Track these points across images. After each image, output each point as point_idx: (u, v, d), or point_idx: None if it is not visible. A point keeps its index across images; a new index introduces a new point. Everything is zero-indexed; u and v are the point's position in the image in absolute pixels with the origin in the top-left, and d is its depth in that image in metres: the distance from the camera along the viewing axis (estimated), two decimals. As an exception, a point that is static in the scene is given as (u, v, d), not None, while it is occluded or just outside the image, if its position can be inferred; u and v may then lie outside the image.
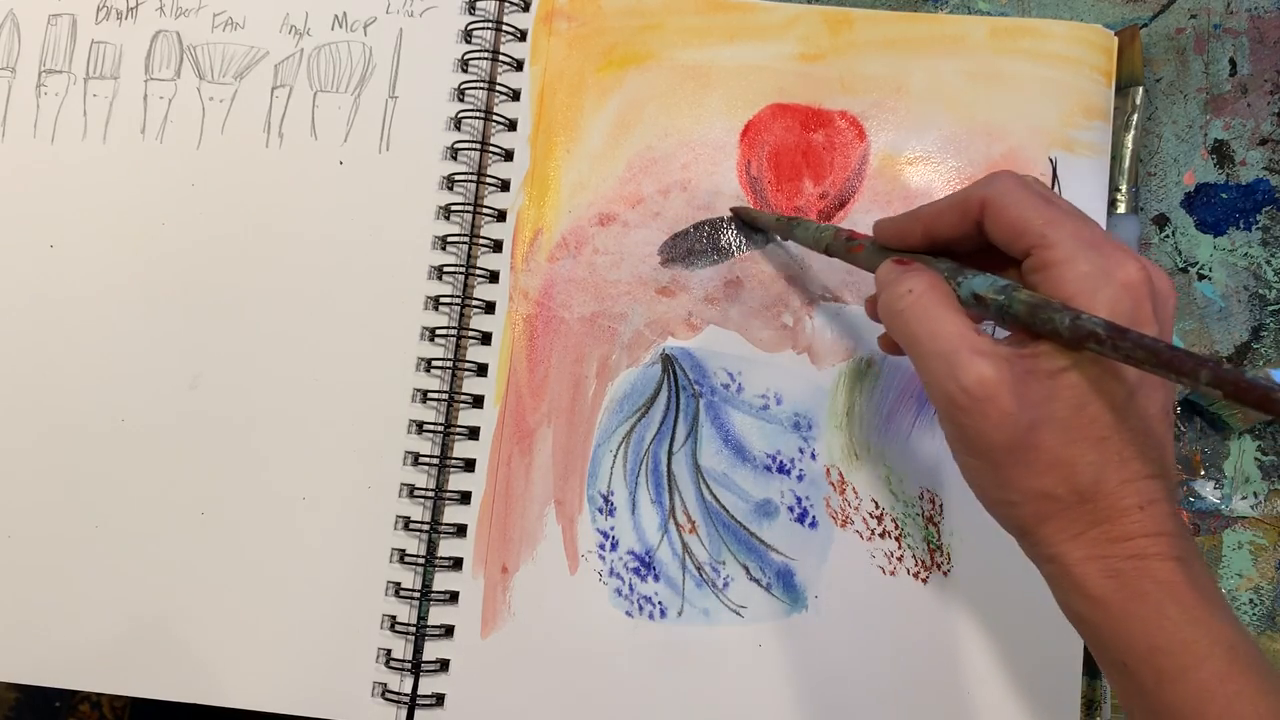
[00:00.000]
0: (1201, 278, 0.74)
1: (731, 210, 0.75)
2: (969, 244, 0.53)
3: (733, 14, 0.76)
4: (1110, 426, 0.47)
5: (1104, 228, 0.72)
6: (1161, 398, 0.49)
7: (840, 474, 0.72)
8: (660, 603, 0.71)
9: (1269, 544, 0.73)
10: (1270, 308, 0.73)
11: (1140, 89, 0.74)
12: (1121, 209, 0.74)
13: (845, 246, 0.62)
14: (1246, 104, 0.76)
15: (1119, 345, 0.43)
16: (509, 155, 0.77)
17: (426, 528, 0.73)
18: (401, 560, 0.73)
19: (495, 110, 0.77)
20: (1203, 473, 0.73)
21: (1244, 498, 0.73)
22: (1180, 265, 0.75)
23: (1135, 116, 0.74)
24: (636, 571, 0.71)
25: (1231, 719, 0.45)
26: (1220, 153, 0.76)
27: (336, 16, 0.78)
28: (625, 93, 0.76)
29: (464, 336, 0.75)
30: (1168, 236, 0.75)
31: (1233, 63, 0.77)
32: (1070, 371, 0.47)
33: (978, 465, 0.51)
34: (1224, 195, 0.75)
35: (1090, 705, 0.71)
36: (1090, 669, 0.71)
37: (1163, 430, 0.49)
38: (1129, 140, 0.74)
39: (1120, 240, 0.49)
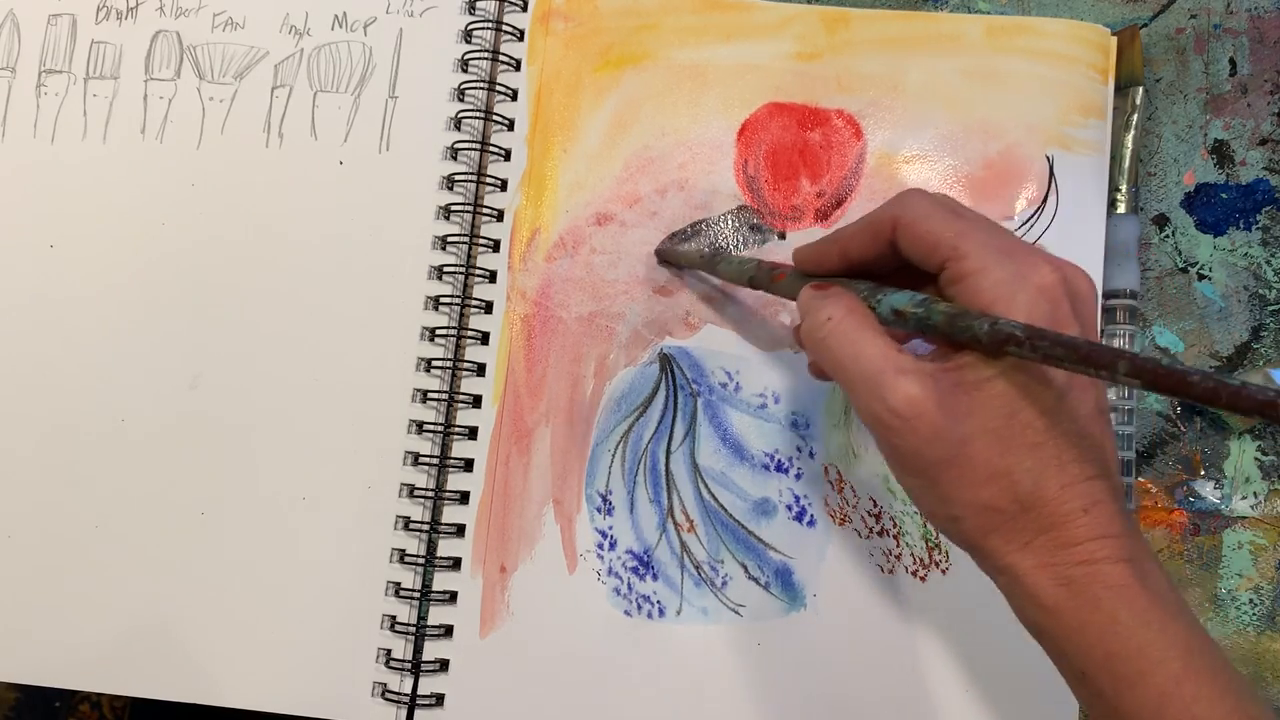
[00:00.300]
0: (1201, 278, 0.74)
1: (655, 253, 0.75)
2: (886, 264, 0.54)
3: (729, 13, 0.76)
4: (1043, 431, 0.47)
5: (1104, 225, 0.72)
6: (1093, 397, 0.49)
7: (838, 472, 0.72)
8: (659, 602, 0.71)
9: (1269, 544, 0.72)
10: (1270, 308, 0.73)
11: (1140, 89, 0.74)
12: (1121, 209, 0.74)
13: (768, 277, 0.62)
14: (1246, 104, 0.76)
15: (1037, 346, 0.44)
16: (509, 155, 0.77)
17: (426, 528, 0.73)
18: (401, 560, 0.73)
19: (495, 110, 0.77)
20: (1203, 473, 0.73)
21: (1244, 498, 0.73)
22: (1180, 265, 0.75)
23: (1135, 116, 0.74)
24: (635, 571, 0.71)
25: None
26: (1220, 153, 0.76)
27: (336, 16, 0.78)
28: (622, 92, 0.76)
29: (464, 336, 0.75)
30: (1168, 236, 0.75)
31: (1233, 63, 0.77)
32: (996, 380, 0.47)
33: (917, 484, 0.50)
34: (1224, 195, 0.75)
35: (1090, 705, 0.71)
36: (1089, 669, 0.71)
37: (1099, 430, 0.49)
38: (1129, 140, 0.74)
39: (1036, 247, 0.50)
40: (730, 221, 0.75)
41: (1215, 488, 0.73)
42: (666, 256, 0.75)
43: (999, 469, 0.47)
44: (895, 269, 0.54)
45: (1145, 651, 0.46)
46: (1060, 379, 0.47)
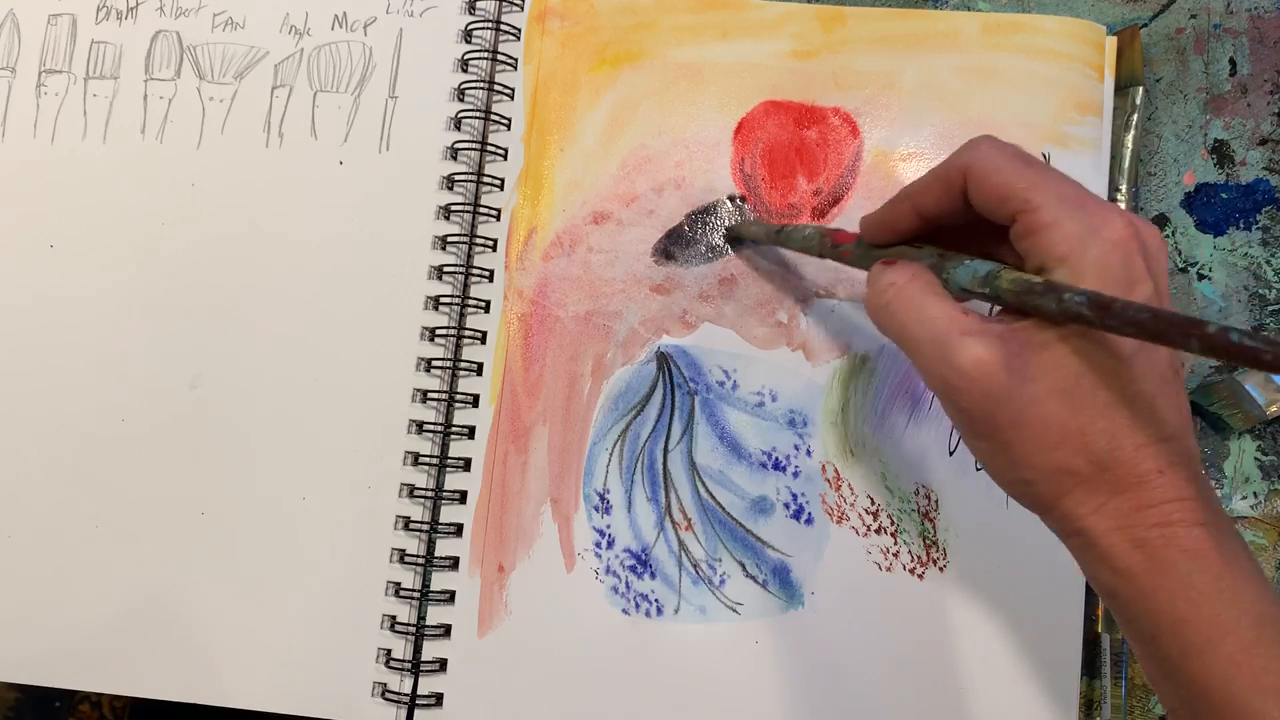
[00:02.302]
0: (1201, 278, 0.74)
1: (725, 230, 0.75)
2: (958, 217, 0.53)
3: (725, 11, 0.76)
4: (1116, 392, 0.47)
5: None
6: (1166, 357, 0.48)
7: (836, 470, 0.71)
8: (657, 600, 0.71)
9: (1269, 544, 0.72)
10: (1270, 308, 0.73)
11: (1140, 89, 0.74)
12: (1122, 209, 0.73)
13: (831, 248, 0.62)
14: (1246, 104, 0.76)
15: (1105, 321, 0.43)
16: (508, 155, 0.77)
17: (426, 528, 0.73)
18: (401, 560, 0.73)
19: (494, 110, 0.78)
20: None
21: (1244, 498, 0.73)
22: (1180, 265, 0.75)
23: (1135, 116, 0.74)
24: (633, 569, 0.71)
25: (1259, 693, 0.44)
26: (1220, 153, 0.76)
27: (336, 16, 0.79)
28: (618, 91, 0.76)
29: (463, 336, 0.75)
30: (1168, 236, 0.75)
31: (1233, 63, 0.77)
32: (1065, 340, 0.47)
33: (987, 447, 0.50)
34: (1224, 195, 0.75)
35: (1089, 705, 0.71)
36: (1089, 668, 0.71)
37: (1173, 391, 0.48)
38: (1129, 140, 0.74)
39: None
40: (728, 218, 0.74)
41: (1215, 488, 0.73)
42: (736, 234, 0.74)
43: (1071, 430, 0.47)
44: (966, 222, 0.53)
45: (1217, 618, 0.45)
46: (1130, 340, 0.47)
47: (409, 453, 0.74)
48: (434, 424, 0.74)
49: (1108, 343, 0.46)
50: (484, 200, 0.76)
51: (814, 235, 0.64)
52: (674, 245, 0.74)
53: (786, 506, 0.71)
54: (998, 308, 0.50)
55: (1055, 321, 0.46)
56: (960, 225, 0.54)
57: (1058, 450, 0.47)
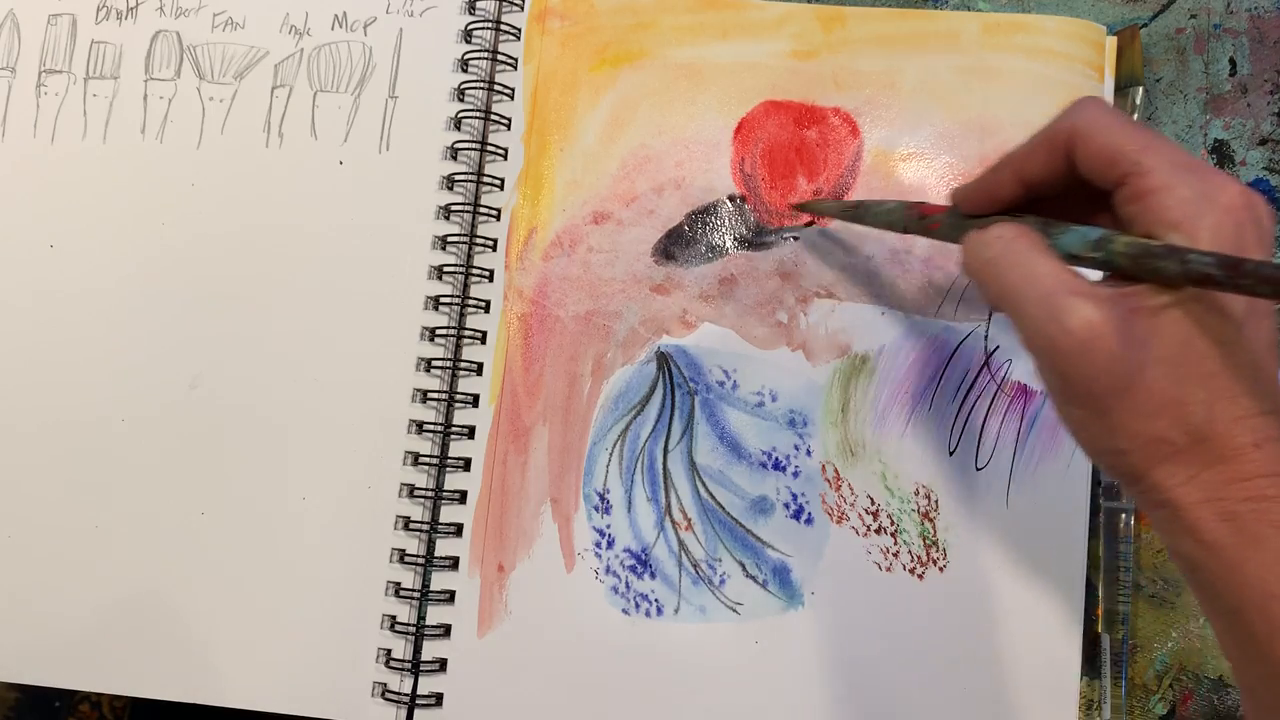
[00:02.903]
0: (1201, 277, 0.74)
1: (794, 207, 0.74)
2: (1059, 184, 0.52)
3: (725, 11, 0.76)
4: (1219, 361, 0.45)
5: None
6: (1268, 328, 0.47)
7: (836, 470, 0.71)
8: (657, 600, 0.71)
9: (1269, 544, 0.72)
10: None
11: (1140, 89, 0.74)
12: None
13: (919, 221, 0.60)
14: (1246, 104, 0.76)
15: (1237, 281, 0.42)
16: (509, 155, 0.77)
17: (426, 528, 0.73)
18: (401, 560, 0.73)
19: (494, 110, 0.78)
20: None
21: (1244, 497, 0.73)
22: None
23: (1135, 116, 0.74)
24: (633, 569, 0.71)
25: None
26: (1220, 153, 0.76)
27: (336, 16, 0.79)
28: (618, 91, 0.76)
29: (463, 336, 0.75)
30: (1167, 236, 0.75)
31: (1233, 63, 0.76)
32: (1175, 307, 0.45)
33: (1083, 415, 0.48)
34: (1224, 195, 0.75)
35: (1090, 705, 0.71)
36: (1089, 668, 0.70)
37: (1272, 364, 0.47)
38: (1129, 140, 0.74)
39: None
40: (726, 217, 0.74)
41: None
42: (807, 209, 0.74)
43: (1172, 399, 0.45)
44: (1068, 190, 0.52)
45: None
46: (1239, 309, 0.46)
47: (409, 453, 0.74)
48: (434, 424, 0.74)
49: (1219, 311, 0.46)
50: (484, 200, 0.76)
51: (897, 209, 0.62)
52: (674, 245, 0.74)
53: (786, 506, 0.71)
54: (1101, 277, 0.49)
55: (1171, 286, 0.45)
56: (1057, 196, 0.52)
57: (1157, 420, 0.46)
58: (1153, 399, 0.45)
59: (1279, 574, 0.44)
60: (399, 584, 0.73)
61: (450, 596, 0.72)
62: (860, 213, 0.68)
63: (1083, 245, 0.48)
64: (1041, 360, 0.49)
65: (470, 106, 0.77)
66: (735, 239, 0.74)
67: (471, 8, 0.79)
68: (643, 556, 0.71)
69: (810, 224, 0.74)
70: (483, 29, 0.78)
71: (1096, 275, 0.49)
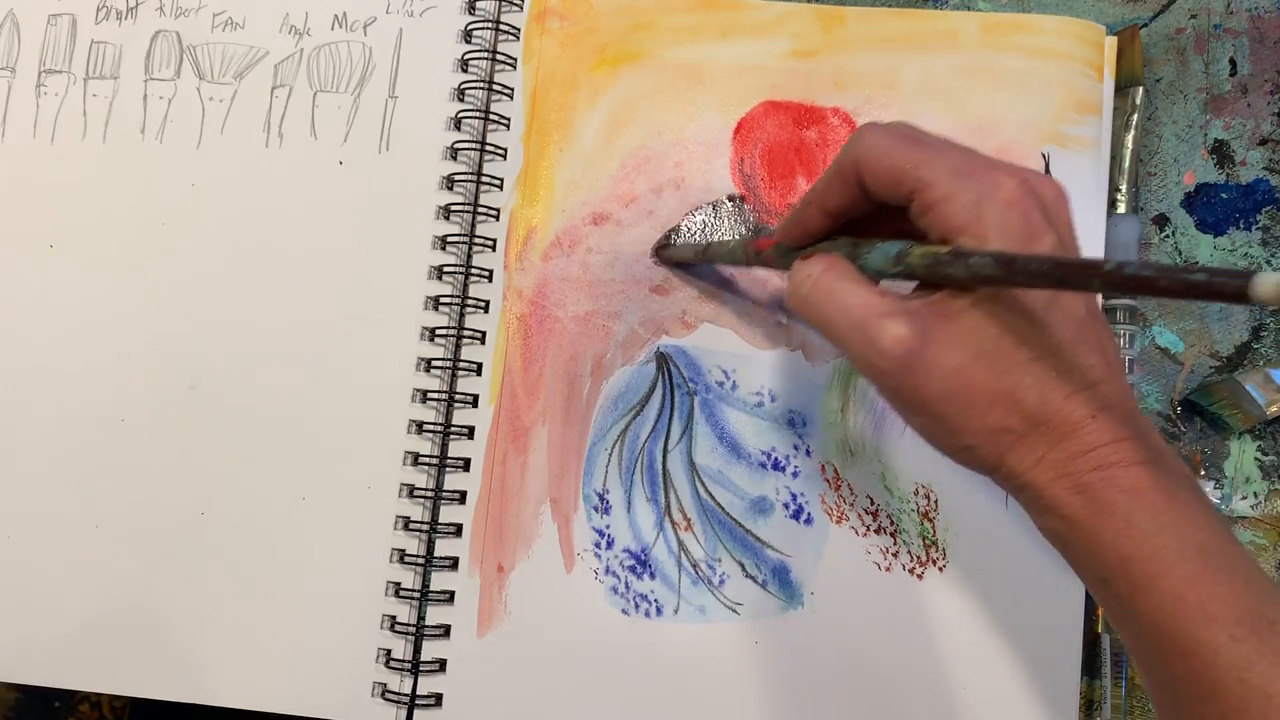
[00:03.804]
0: (1202, 277, 0.74)
1: (655, 258, 0.75)
2: (864, 207, 0.53)
3: (724, 12, 0.76)
4: (1035, 347, 0.48)
5: (1103, 222, 0.72)
6: (1081, 303, 0.49)
7: (835, 470, 0.71)
8: (656, 600, 0.71)
9: (1269, 544, 0.72)
10: (1270, 308, 0.73)
11: (1140, 89, 0.74)
12: (1121, 209, 0.74)
13: (753, 253, 0.62)
14: (1246, 104, 0.76)
15: (1013, 278, 0.44)
16: (508, 155, 0.77)
17: (426, 528, 0.73)
18: (401, 560, 0.73)
19: (494, 110, 0.77)
20: (1203, 473, 0.73)
21: (1244, 498, 0.73)
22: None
23: (1135, 116, 0.74)
24: (632, 569, 0.71)
25: (1203, 622, 0.45)
26: (1220, 153, 0.76)
27: (336, 16, 0.79)
28: (618, 91, 0.76)
29: (463, 336, 0.75)
30: (1168, 236, 0.75)
31: (1233, 63, 0.77)
32: (977, 306, 0.47)
33: (923, 421, 0.51)
34: (1224, 195, 0.75)
35: (1090, 705, 0.71)
36: (1089, 668, 0.71)
37: (1095, 334, 0.49)
38: (1129, 140, 0.74)
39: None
40: (725, 210, 0.74)
41: (1215, 488, 0.73)
42: (666, 258, 0.74)
43: (1000, 390, 0.48)
44: (874, 210, 0.53)
45: (1159, 553, 0.46)
46: (1042, 294, 0.48)
47: (409, 453, 0.74)
48: (434, 424, 0.74)
49: (1020, 300, 0.47)
50: (484, 200, 0.76)
51: (737, 246, 0.65)
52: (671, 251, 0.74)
53: (786, 506, 0.71)
54: (915, 285, 0.51)
55: (967, 287, 0.47)
56: (870, 215, 0.54)
57: (991, 413, 0.48)
58: (982, 395, 0.48)
59: (1131, 536, 0.47)
60: (399, 584, 0.72)
61: (450, 597, 0.72)
62: (709, 254, 0.69)
63: (885, 261, 0.51)
64: (871, 380, 0.52)
65: (470, 106, 0.77)
66: (735, 239, 0.74)
67: (471, 8, 0.79)
68: (642, 557, 0.71)
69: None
70: (482, 29, 0.78)
71: (910, 286, 0.51)
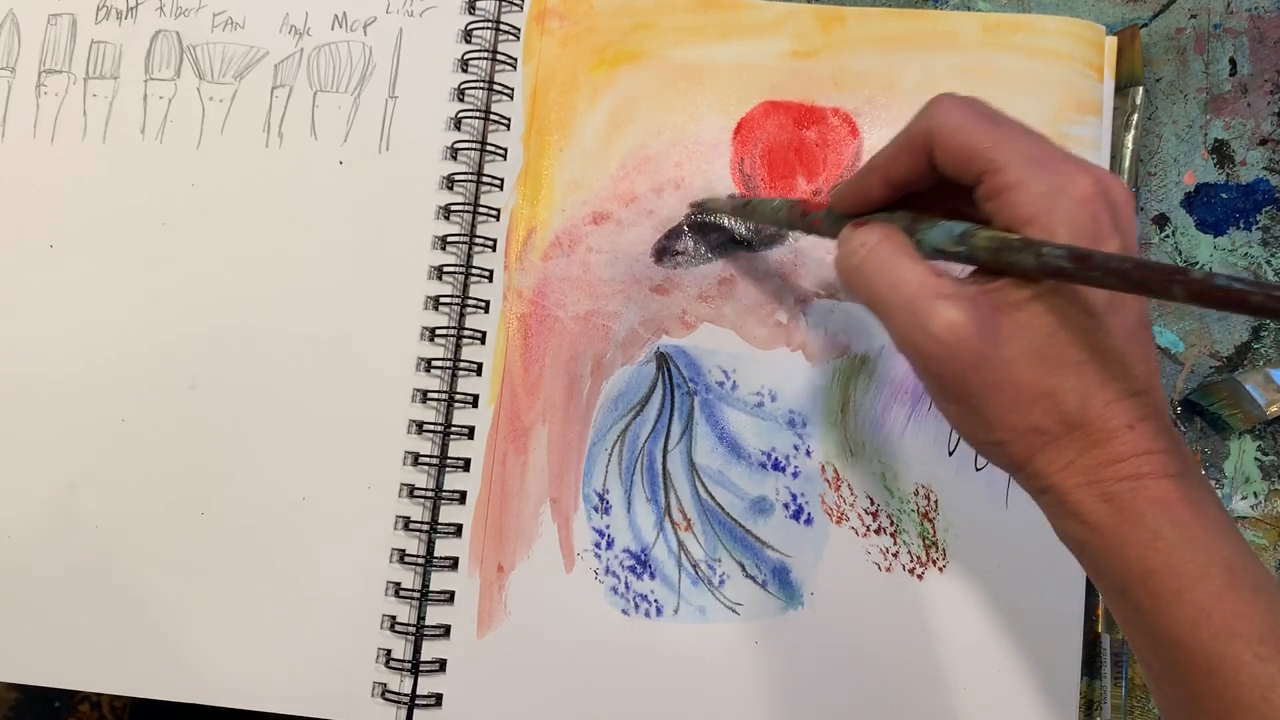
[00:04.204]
0: (1202, 277, 0.74)
1: (689, 207, 0.75)
2: (927, 181, 0.52)
3: (725, 12, 0.76)
4: (1086, 349, 0.47)
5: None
6: (1135, 311, 0.48)
7: (835, 470, 0.71)
8: (656, 600, 0.71)
9: (1269, 544, 0.72)
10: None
11: (1140, 89, 0.74)
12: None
13: (801, 218, 0.61)
14: (1246, 104, 0.76)
15: (1087, 274, 0.43)
16: (509, 155, 0.77)
17: (426, 528, 0.73)
18: (401, 560, 0.73)
19: (494, 110, 0.77)
20: (1203, 473, 0.73)
21: (1244, 498, 0.73)
22: (1180, 265, 0.75)
23: (1135, 116, 0.74)
24: (632, 569, 0.71)
25: (1228, 639, 0.44)
26: (1220, 153, 0.76)
27: (336, 16, 0.79)
28: (618, 91, 0.76)
29: (463, 336, 0.75)
30: (1168, 236, 0.75)
31: (1233, 63, 0.77)
32: (1037, 300, 0.46)
33: (959, 410, 0.50)
34: (1224, 195, 0.75)
35: (1090, 705, 0.71)
36: (1089, 668, 0.71)
37: (1142, 345, 0.48)
38: (1129, 140, 0.74)
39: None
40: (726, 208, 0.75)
41: (1215, 488, 0.73)
42: (701, 209, 0.74)
43: (1043, 390, 0.47)
44: (937, 185, 0.52)
45: (1185, 567, 0.45)
46: (1101, 296, 0.47)
47: (409, 453, 0.74)
48: (434, 424, 0.74)
49: (1081, 300, 0.47)
50: (484, 200, 0.76)
51: (781, 206, 0.63)
52: (673, 245, 0.74)
53: (786, 507, 0.71)
54: (970, 269, 0.50)
55: (1030, 279, 0.46)
56: (931, 190, 0.53)
57: (1030, 411, 0.47)
58: (1024, 391, 0.47)
59: (1157, 548, 0.46)
60: (399, 584, 0.73)
61: (450, 597, 0.72)
62: (749, 210, 0.69)
63: (947, 240, 0.49)
64: (913, 363, 0.50)
65: (470, 106, 0.77)
66: (735, 239, 0.74)
67: (471, 8, 0.79)
68: (642, 557, 0.71)
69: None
70: (483, 29, 0.78)
71: (967, 270, 0.50)
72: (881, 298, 0.50)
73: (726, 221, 0.74)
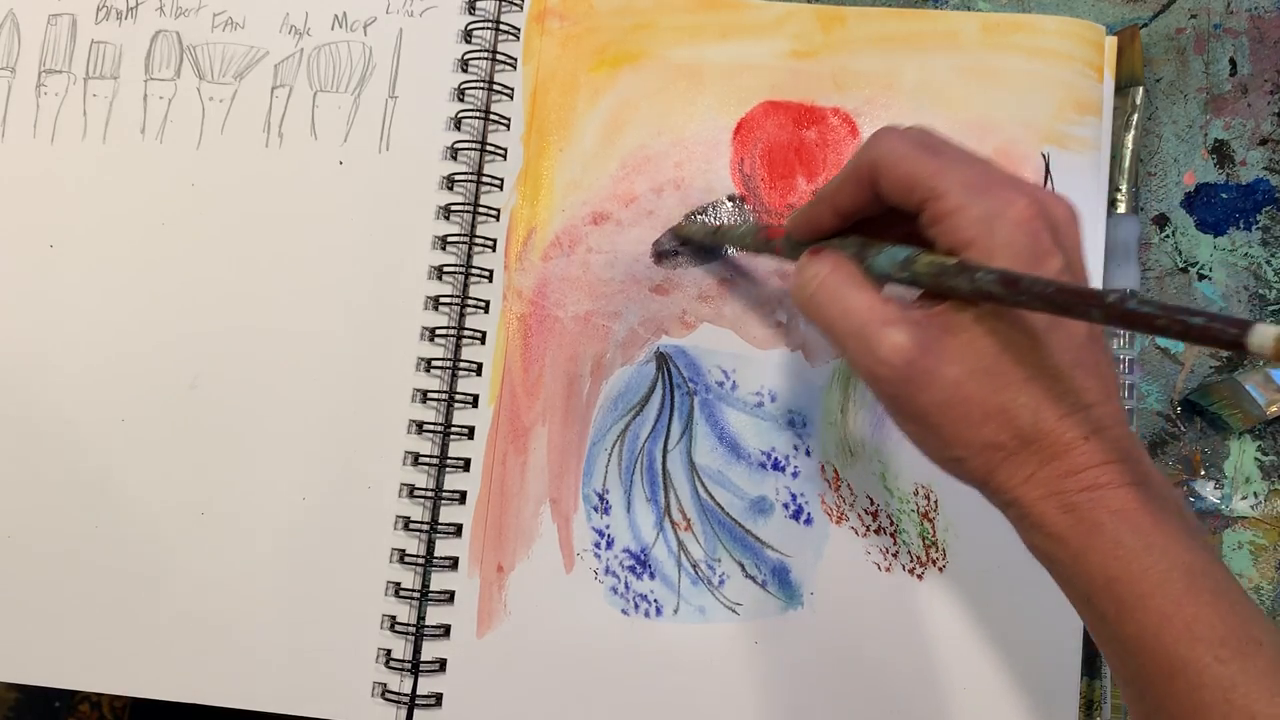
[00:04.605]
0: (1202, 278, 0.74)
1: (669, 234, 0.75)
2: (876, 208, 0.54)
3: (724, 12, 0.76)
4: (1035, 365, 0.48)
5: (1103, 223, 0.72)
6: (1084, 325, 0.49)
7: (835, 470, 0.71)
8: (656, 600, 0.71)
9: (1269, 544, 0.72)
10: (1270, 308, 0.73)
11: (1140, 89, 0.74)
12: (1121, 209, 0.74)
13: (764, 240, 0.63)
14: (1246, 104, 0.76)
15: (1015, 298, 0.44)
16: (509, 155, 0.77)
17: (426, 528, 0.73)
18: (401, 560, 0.73)
19: (494, 110, 0.77)
20: (1203, 473, 0.73)
21: (1244, 498, 0.73)
22: (1180, 265, 0.75)
23: (1135, 116, 0.74)
24: (632, 569, 0.71)
25: (1189, 642, 0.45)
26: (1220, 153, 0.76)
27: (336, 16, 0.79)
28: (618, 91, 0.76)
29: (463, 336, 0.75)
30: (1168, 236, 0.75)
31: (1233, 63, 0.76)
32: (979, 323, 0.48)
33: (916, 430, 0.51)
34: (1224, 195, 0.75)
35: (1090, 705, 0.71)
36: (1089, 668, 0.70)
37: (1094, 356, 0.49)
38: (1129, 140, 0.74)
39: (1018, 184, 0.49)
40: (725, 211, 0.74)
41: (1215, 488, 0.73)
42: (677, 231, 0.75)
43: (995, 406, 0.48)
44: (886, 211, 0.53)
45: (1146, 574, 0.46)
46: (1042, 315, 0.48)
47: (409, 453, 0.74)
48: (434, 424, 0.74)
49: (1022, 319, 0.48)
50: (484, 200, 0.76)
51: (749, 232, 0.65)
52: (673, 245, 0.74)
53: (786, 507, 0.71)
54: (918, 293, 0.52)
55: (970, 302, 0.48)
56: (883, 216, 0.54)
57: (984, 427, 0.48)
58: (975, 409, 0.48)
59: (1118, 556, 0.47)
60: (399, 584, 0.73)
61: (450, 597, 0.72)
62: (720, 235, 0.70)
63: (892, 266, 0.51)
64: (869, 386, 0.52)
65: (470, 106, 0.77)
66: (747, 224, 0.74)
67: (471, 8, 0.79)
68: (642, 557, 0.71)
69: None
70: (483, 29, 0.78)
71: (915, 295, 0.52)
72: (833, 325, 0.52)
73: (728, 220, 0.74)
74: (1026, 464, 0.48)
